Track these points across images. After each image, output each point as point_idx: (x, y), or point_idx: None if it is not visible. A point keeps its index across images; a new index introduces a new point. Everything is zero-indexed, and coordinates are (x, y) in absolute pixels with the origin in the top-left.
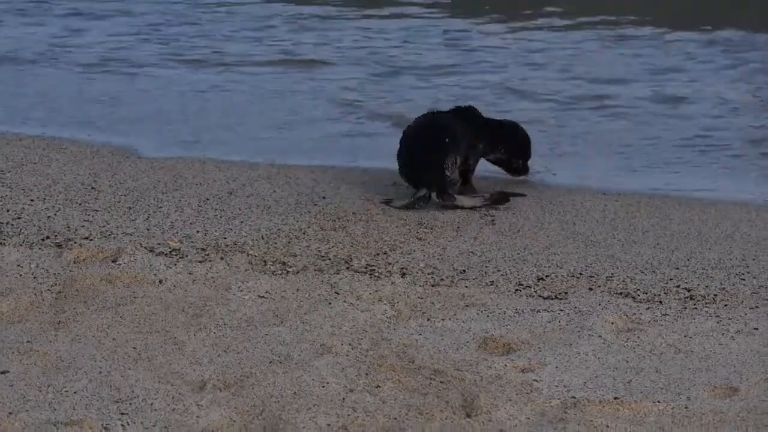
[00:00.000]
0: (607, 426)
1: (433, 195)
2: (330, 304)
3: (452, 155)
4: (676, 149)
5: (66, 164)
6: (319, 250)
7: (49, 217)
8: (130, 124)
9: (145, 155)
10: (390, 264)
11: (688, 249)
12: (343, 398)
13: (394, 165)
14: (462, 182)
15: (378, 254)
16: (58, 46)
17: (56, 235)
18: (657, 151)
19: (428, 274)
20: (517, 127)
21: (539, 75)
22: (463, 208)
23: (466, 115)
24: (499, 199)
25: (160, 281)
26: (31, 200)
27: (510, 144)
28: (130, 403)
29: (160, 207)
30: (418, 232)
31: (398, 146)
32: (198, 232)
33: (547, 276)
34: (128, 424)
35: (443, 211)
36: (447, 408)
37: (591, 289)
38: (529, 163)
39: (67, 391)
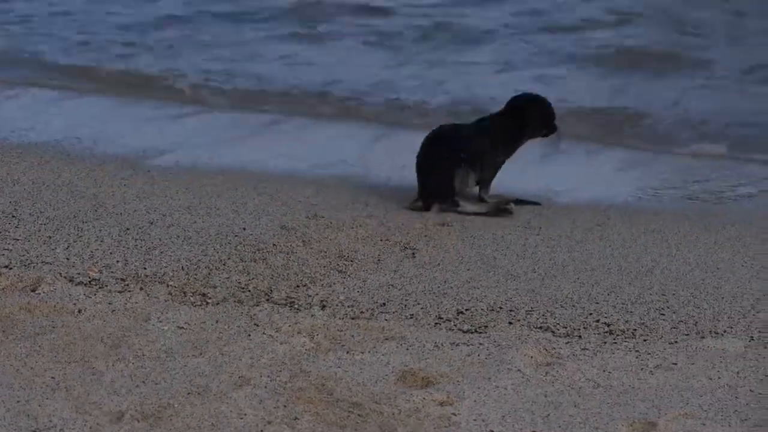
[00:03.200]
0: None
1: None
2: (249, 335)
3: (465, 170)
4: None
5: None
6: (239, 282)
7: None
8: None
9: (66, 184)
10: (310, 296)
11: (608, 283)
12: (261, 430)
13: (316, 197)
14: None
15: (298, 286)
16: None
17: None
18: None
19: (348, 306)
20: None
21: None
22: (467, 213)
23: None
24: (500, 209)
25: (80, 311)
26: None
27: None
28: None
29: (81, 236)
30: (338, 265)
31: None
32: (118, 261)
33: (467, 309)
34: None
35: (364, 243)
36: None
37: (511, 323)
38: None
39: None
